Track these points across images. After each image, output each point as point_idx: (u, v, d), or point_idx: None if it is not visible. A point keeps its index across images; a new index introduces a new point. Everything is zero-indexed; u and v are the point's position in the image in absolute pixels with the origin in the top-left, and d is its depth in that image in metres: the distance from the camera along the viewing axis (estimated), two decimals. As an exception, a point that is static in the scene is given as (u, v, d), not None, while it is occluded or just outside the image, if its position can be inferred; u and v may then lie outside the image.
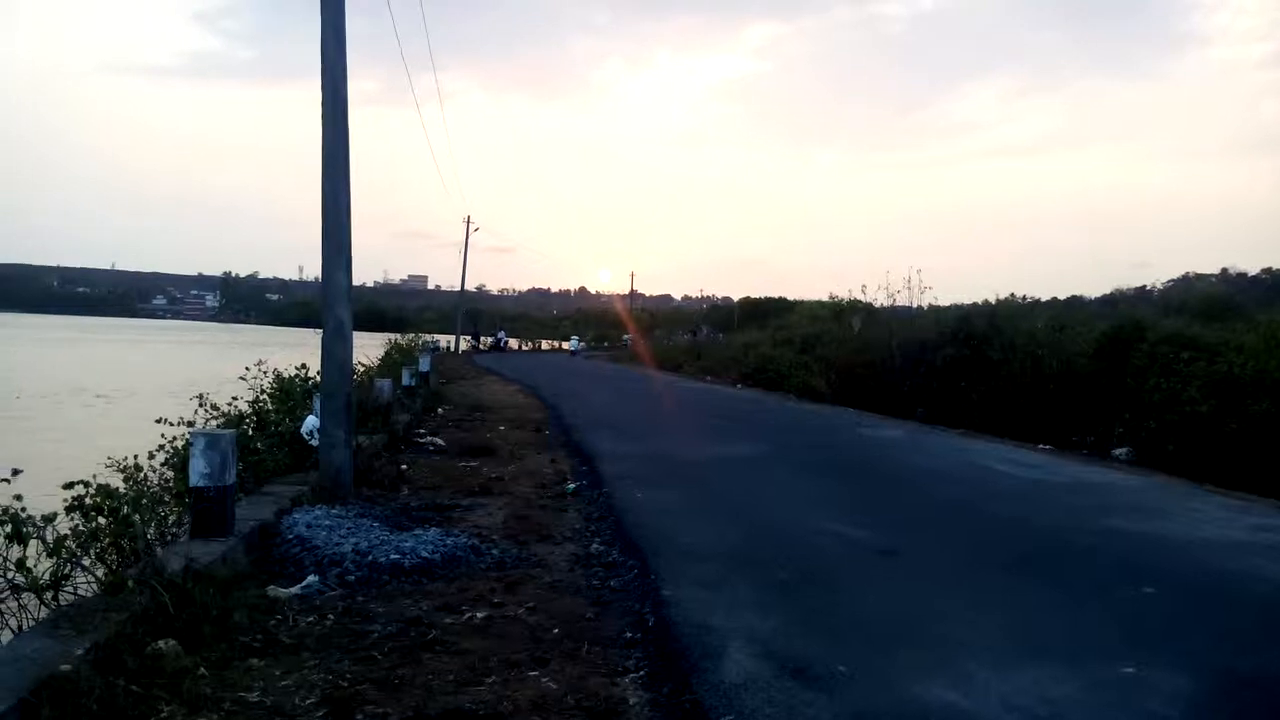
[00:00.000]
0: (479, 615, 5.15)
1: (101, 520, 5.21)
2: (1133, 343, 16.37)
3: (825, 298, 40.87)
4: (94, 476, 5.37)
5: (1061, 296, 50.02)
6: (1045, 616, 5.33)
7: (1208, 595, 5.87)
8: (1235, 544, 7.46)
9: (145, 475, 7.01)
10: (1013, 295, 25.20)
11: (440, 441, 12.71)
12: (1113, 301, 46.24)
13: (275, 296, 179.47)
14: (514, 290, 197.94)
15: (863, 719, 3.78)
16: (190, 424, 8.37)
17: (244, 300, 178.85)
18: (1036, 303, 34.08)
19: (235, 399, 9.85)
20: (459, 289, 64.73)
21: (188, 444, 6.28)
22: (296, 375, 11.17)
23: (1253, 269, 73.15)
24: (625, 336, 44.81)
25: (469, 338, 61.08)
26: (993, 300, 24.97)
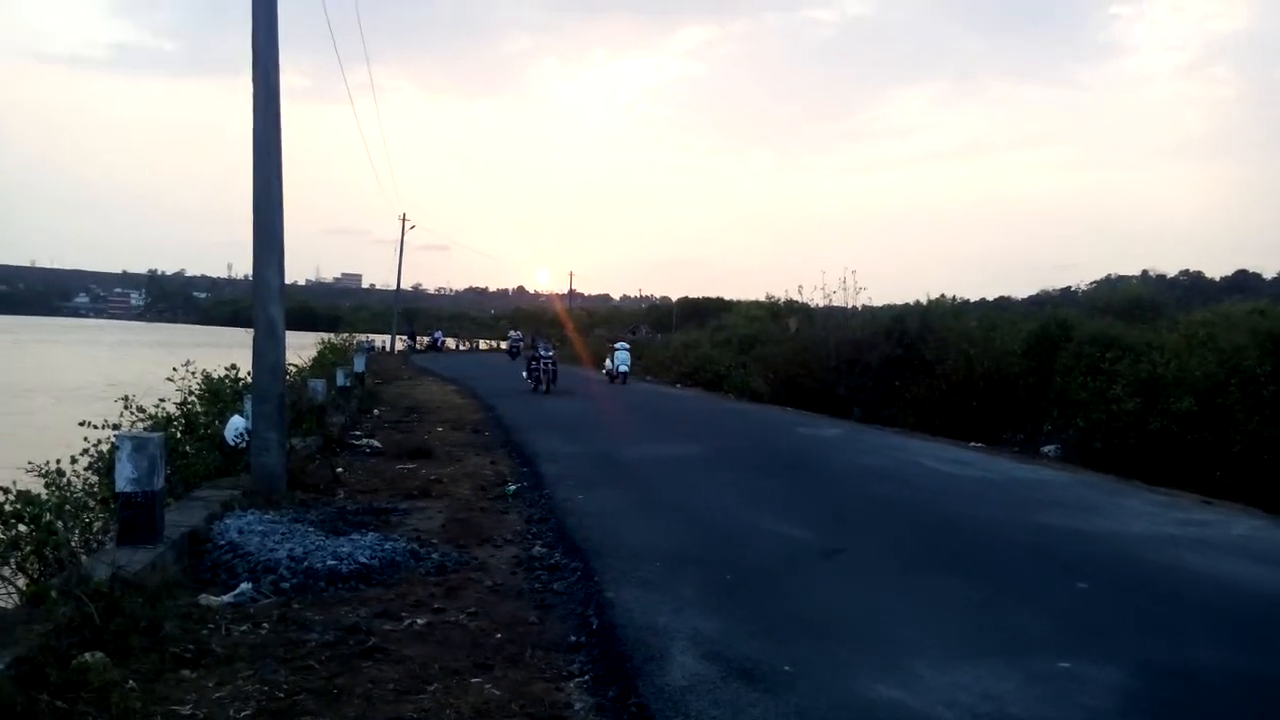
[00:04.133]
0: (419, 621, 5.05)
1: (22, 528, 5.01)
2: (1059, 342, 16.84)
3: (762, 298, 41.29)
4: (14, 483, 5.15)
5: (990, 297, 51.29)
6: (984, 613, 5.42)
7: (1138, 590, 6.03)
8: (1162, 539, 7.69)
9: (68, 480, 6.75)
10: (943, 296, 25.75)
11: (377, 443, 12.49)
12: (1039, 302, 47.43)
13: (203, 295, 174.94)
14: (451, 289, 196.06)
15: (808, 718, 3.79)
16: (116, 427, 8.08)
17: (170, 299, 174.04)
18: (966, 303, 34.83)
19: (162, 401, 9.55)
20: (395, 288, 63.93)
21: (113, 448, 6.07)
22: (226, 376, 10.89)
23: (1171, 271, 75.75)
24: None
25: (405, 337, 60.26)
26: (924, 301, 25.47)
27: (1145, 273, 71.80)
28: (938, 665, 4.40)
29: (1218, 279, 71.27)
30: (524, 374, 24.12)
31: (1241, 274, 72.85)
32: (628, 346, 27.17)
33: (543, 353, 22.75)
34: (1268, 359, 13.31)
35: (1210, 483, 11.71)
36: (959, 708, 3.91)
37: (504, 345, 59.02)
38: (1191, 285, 67.47)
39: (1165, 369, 13.61)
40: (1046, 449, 14.66)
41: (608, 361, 27.86)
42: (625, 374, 26.52)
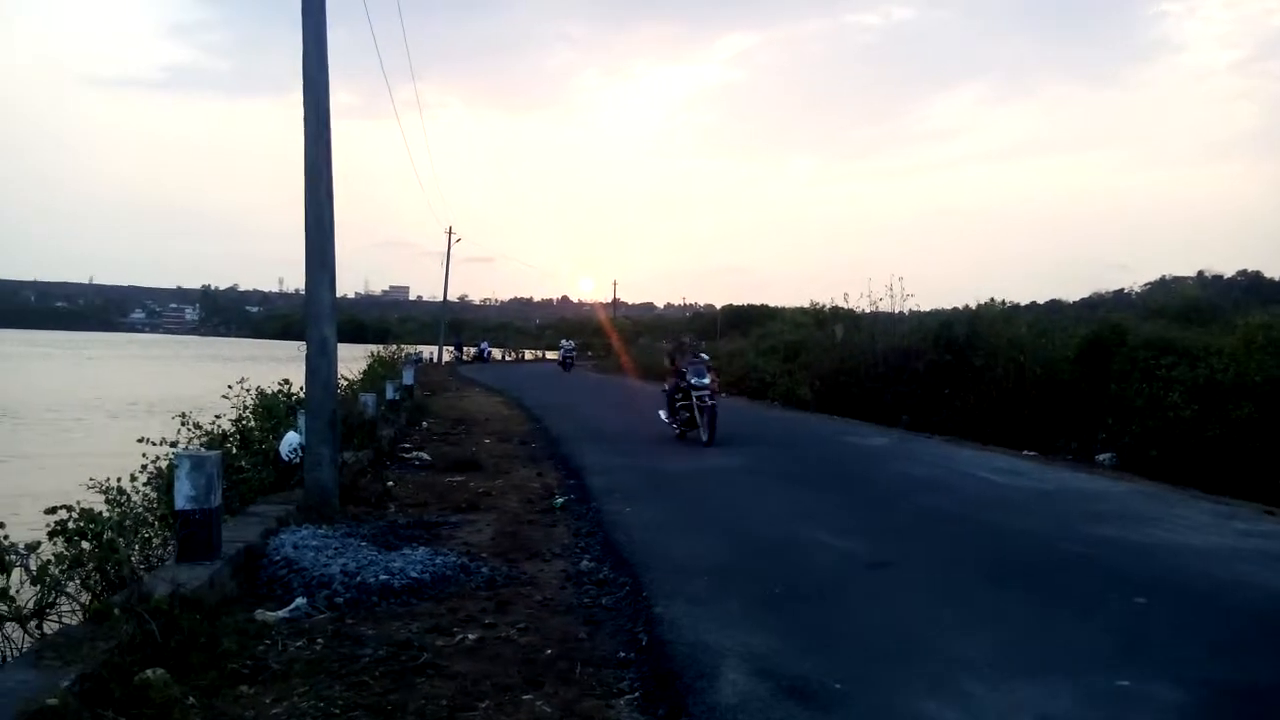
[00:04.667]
0: (470, 637, 5.10)
1: (85, 545, 5.14)
2: (1113, 347, 16.48)
3: (807, 305, 40.96)
4: (77, 501, 5.29)
5: (1041, 300, 50.36)
6: (1039, 629, 5.32)
7: (1198, 604, 5.88)
8: (1223, 551, 7.50)
9: (129, 497, 6.91)
10: (992, 300, 25.22)
11: (426, 456, 12.63)
12: (1092, 305, 46.56)
13: (256, 309, 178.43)
14: (496, 300, 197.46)
15: (861, 738, 3.76)
16: (173, 444, 8.26)
17: (224, 313, 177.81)
18: (1016, 307, 34.18)
19: (219, 417, 9.75)
20: (441, 299, 64.56)
21: (171, 465, 6.20)
22: (280, 391, 11.08)
23: (1228, 271, 73.86)
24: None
25: (452, 349, 60.85)
26: (973, 305, 25.09)
27: (1201, 273, 70.08)
28: (992, 683, 4.34)
29: (1277, 279, 69.41)
30: (661, 413, 16.22)
31: (1302, 273, 70.80)
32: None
33: (694, 380, 15.00)
34: (1331, 363, 12.93)
35: (1272, 492, 11.38)
36: (1015, 728, 3.85)
37: (554, 355, 58.71)
38: (1250, 285, 65.69)
39: (1224, 374, 13.27)
40: (1102, 457, 14.35)
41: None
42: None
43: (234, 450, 9.06)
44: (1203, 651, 4.94)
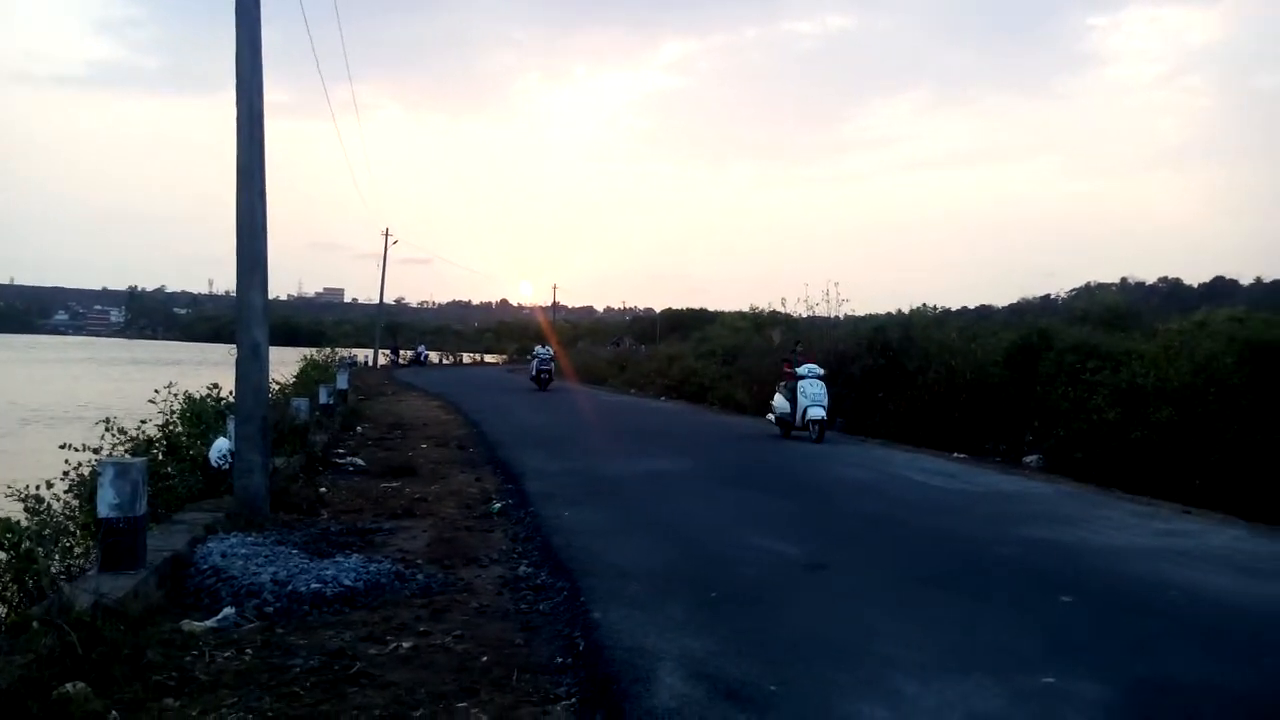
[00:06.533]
0: (405, 645, 5.03)
1: (1, 555, 4.96)
2: (1040, 352, 16.92)
3: (746, 309, 41.39)
4: (-8, 511, 5.10)
5: (972, 306, 51.57)
6: (970, 629, 5.44)
7: (1121, 603, 6.07)
8: (1145, 550, 7.75)
9: (48, 505, 6.69)
10: (925, 305, 25.74)
11: (360, 461, 12.44)
12: (1020, 310, 47.64)
13: (184, 311, 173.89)
14: (434, 303, 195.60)
15: (796, 740, 3.80)
16: (97, 450, 8.02)
17: (151, 315, 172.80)
18: (948, 312, 34.95)
19: (144, 422, 9.49)
20: (377, 302, 63.74)
21: (94, 472, 6.02)
22: (209, 396, 10.83)
23: (1150, 278, 76.53)
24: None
25: (388, 352, 60.05)
26: (906, 310, 25.55)
27: (1124, 280, 72.42)
28: (923, 682, 4.42)
29: (1195, 285, 72.08)
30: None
31: (1219, 280, 73.60)
32: (821, 373, 15.72)
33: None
34: (1245, 367, 13.44)
35: (1190, 491, 11.79)
36: (945, 726, 3.93)
37: (494, 359, 56.23)
38: (1170, 292, 68.13)
39: (1145, 378, 13.71)
40: (1029, 459, 14.73)
41: (780, 399, 16.43)
42: (821, 422, 15.46)
43: (160, 457, 8.83)
44: (1125, 648, 5.09)
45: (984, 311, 48.85)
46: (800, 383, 15.75)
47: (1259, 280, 73.46)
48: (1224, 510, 10.39)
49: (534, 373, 31.06)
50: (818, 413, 15.45)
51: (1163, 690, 4.45)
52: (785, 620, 5.53)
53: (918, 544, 7.95)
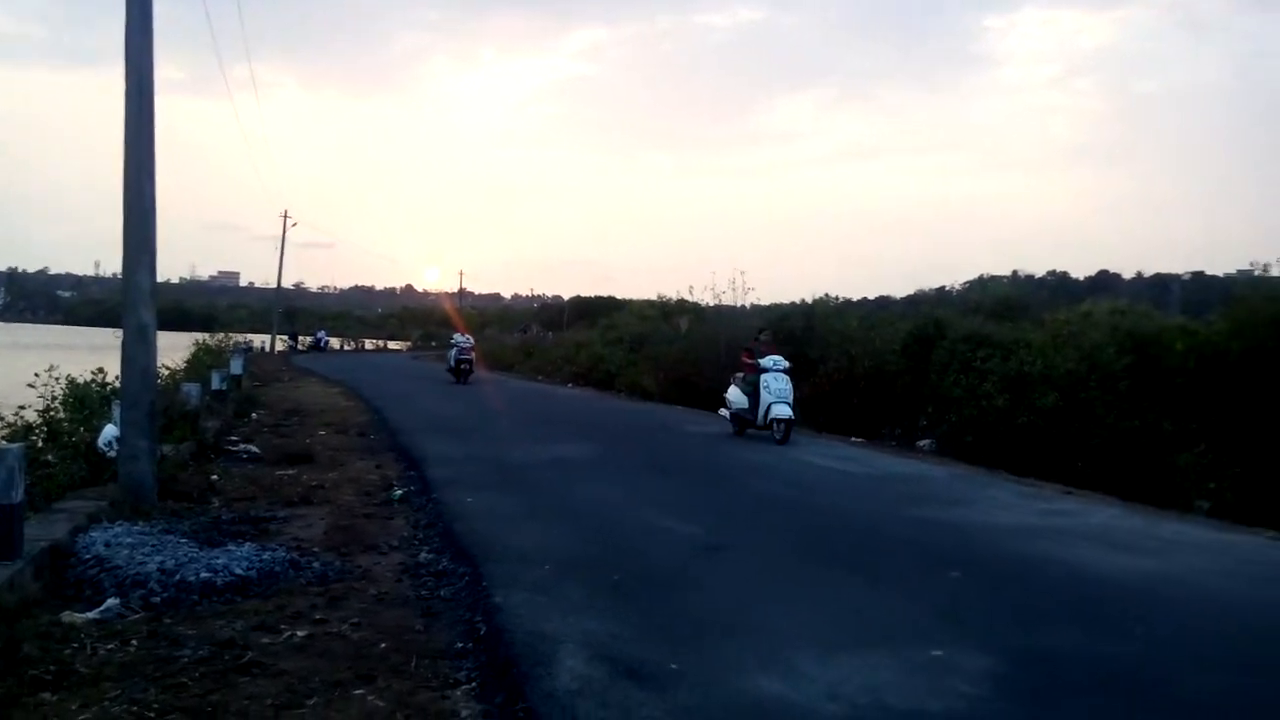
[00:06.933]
0: (299, 634, 4.92)
1: None
2: (935, 341, 17.50)
3: (654, 297, 41.62)
4: None
5: (871, 297, 52.93)
6: (864, 605, 5.60)
7: (1006, 578, 6.34)
8: (1028, 529, 8.10)
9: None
10: (827, 296, 26.39)
11: (254, 449, 12.07)
12: (917, 301, 49.14)
13: (69, 294, 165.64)
14: (335, 288, 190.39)
15: (695, 715, 3.85)
16: (-33, 436, 7.60)
17: (32, 298, 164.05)
18: (849, 302, 35.80)
19: (22, 407, 9.04)
20: (275, 286, 61.89)
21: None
22: (93, 381, 10.37)
23: (1039, 271, 79.86)
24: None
25: (286, 338, 58.45)
26: (809, 300, 26.09)
27: (1015, 273, 75.35)
28: (818, 658, 4.53)
29: (1082, 279, 75.58)
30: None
31: (1103, 274, 77.42)
32: (786, 366, 14.27)
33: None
34: (1125, 356, 14.15)
35: (1072, 473, 12.38)
36: (840, 700, 4.04)
37: (398, 346, 54.29)
38: (1058, 285, 71.13)
39: (1032, 366, 14.31)
40: (922, 443, 15.23)
41: (737, 393, 14.71)
42: (788, 421, 13.89)
43: (40, 443, 8.43)
44: (1009, 621, 5.32)
45: (883, 302, 50.19)
46: (764, 376, 14.04)
47: (1139, 275, 77.61)
48: (1103, 491, 10.94)
49: (452, 363, 28.49)
50: (783, 410, 13.85)
51: (1043, 660, 4.67)
52: (686, 601, 5.60)
53: (816, 523, 8.14)
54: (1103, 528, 8.33)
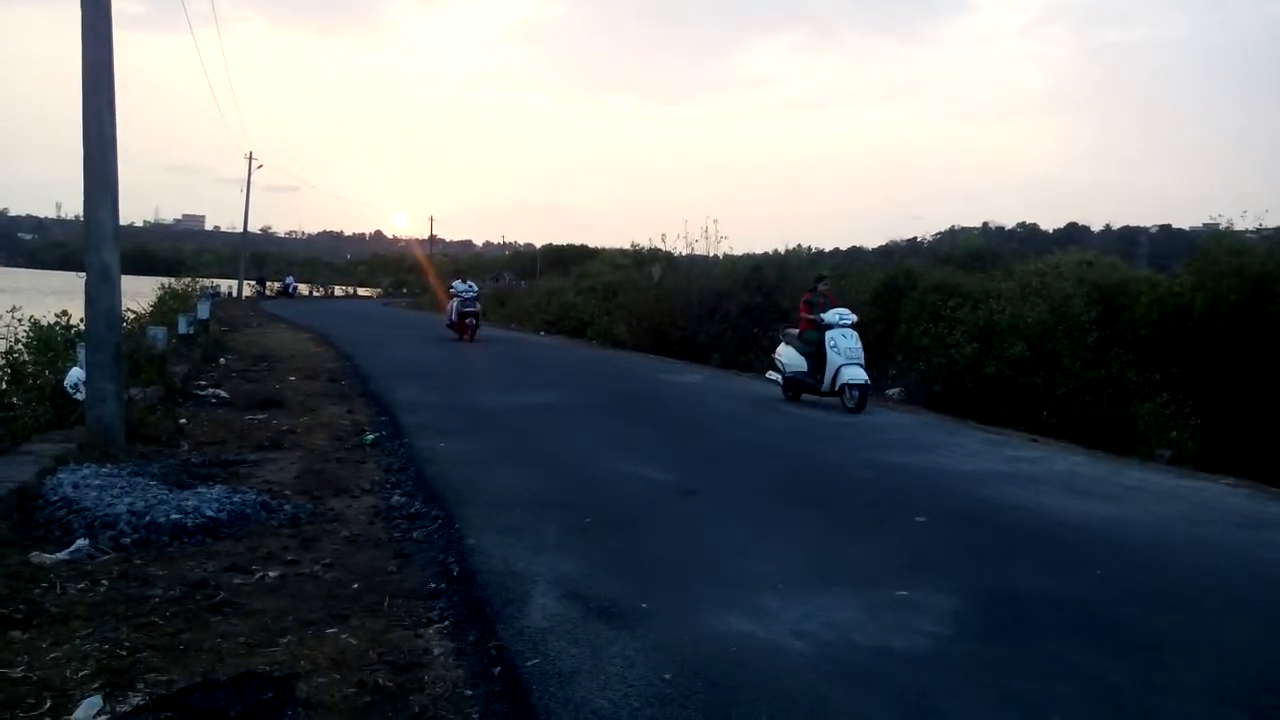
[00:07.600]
0: (271, 574, 4.93)
1: None
2: (905, 291, 17.59)
3: (627, 245, 41.41)
4: None
5: (844, 247, 53.04)
6: (830, 547, 5.70)
7: (971, 522, 6.45)
8: (994, 474, 8.24)
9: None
10: (800, 246, 26.39)
11: (223, 394, 11.98)
12: (889, 252, 49.40)
13: (30, 236, 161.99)
14: (303, 233, 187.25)
15: (664, 652, 3.91)
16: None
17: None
18: (821, 253, 35.82)
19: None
20: (241, 230, 60.84)
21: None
22: (56, 324, 10.20)
23: (1009, 223, 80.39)
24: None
25: (254, 283, 57.64)
26: (782, 250, 26.09)
27: (985, 224, 75.80)
28: (786, 597, 4.61)
29: (1051, 230, 76.11)
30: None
31: (1073, 226, 77.95)
32: (854, 320, 12.70)
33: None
34: (1093, 307, 14.30)
35: (1038, 422, 12.58)
36: (806, 637, 4.12)
37: (369, 293, 52.96)
38: (1027, 236, 71.68)
39: (1001, 316, 14.44)
40: (891, 392, 15.37)
41: (791, 353, 12.99)
42: (864, 387, 12.05)
43: (4, 386, 8.31)
44: (972, 563, 5.43)
45: (855, 253, 50.36)
46: (829, 333, 12.13)
47: (1108, 227, 78.19)
48: (1068, 439, 11.14)
49: (454, 316, 23.00)
50: (857, 374, 11.88)
51: (1006, 600, 4.78)
52: (657, 542, 5.66)
53: (784, 469, 8.22)
54: (1067, 474, 8.48)
